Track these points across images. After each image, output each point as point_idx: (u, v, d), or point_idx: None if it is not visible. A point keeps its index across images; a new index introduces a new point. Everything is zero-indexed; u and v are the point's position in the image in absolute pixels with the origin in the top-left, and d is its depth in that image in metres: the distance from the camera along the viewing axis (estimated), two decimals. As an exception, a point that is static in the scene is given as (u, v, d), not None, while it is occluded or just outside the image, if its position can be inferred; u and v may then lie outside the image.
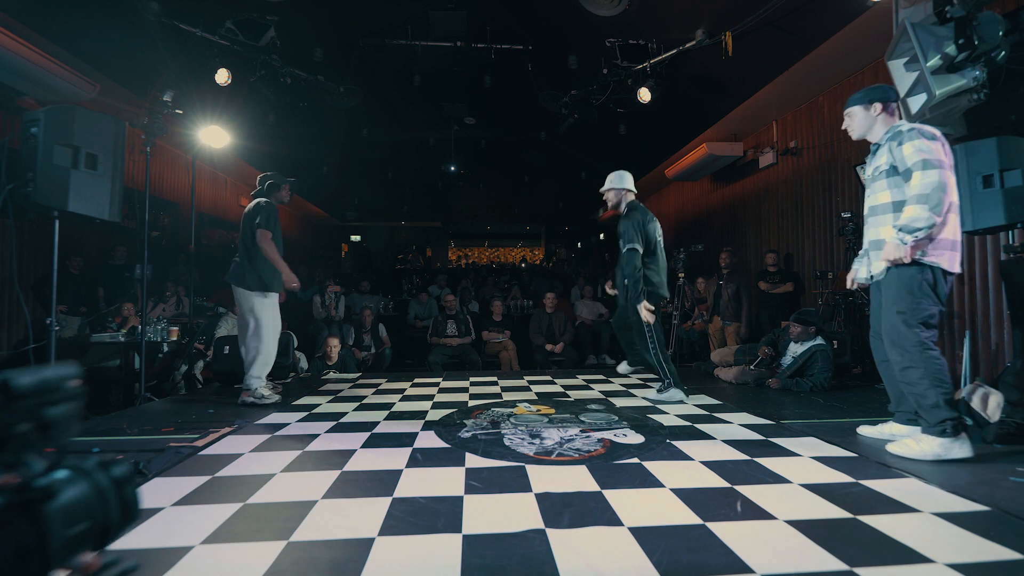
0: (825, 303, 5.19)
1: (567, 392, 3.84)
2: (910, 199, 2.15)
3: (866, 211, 2.46)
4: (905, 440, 2.20)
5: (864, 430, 2.57)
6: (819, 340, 3.87)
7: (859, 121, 2.45)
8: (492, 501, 1.76)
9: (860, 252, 2.54)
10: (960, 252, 2.21)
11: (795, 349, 4.00)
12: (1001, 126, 3.06)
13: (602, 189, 3.66)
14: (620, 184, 3.58)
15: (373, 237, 16.33)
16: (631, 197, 3.61)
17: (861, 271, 2.50)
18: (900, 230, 2.15)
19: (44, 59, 4.21)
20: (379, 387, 4.10)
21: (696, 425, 2.81)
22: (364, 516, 1.63)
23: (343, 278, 10.05)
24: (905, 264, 2.17)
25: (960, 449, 2.10)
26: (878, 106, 2.39)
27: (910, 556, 1.36)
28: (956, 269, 2.19)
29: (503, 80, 5.90)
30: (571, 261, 14.39)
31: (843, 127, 2.54)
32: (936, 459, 2.09)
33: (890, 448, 2.21)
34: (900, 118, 2.48)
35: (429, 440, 2.53)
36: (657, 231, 3.52)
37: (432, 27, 4.97)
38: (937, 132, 2.21)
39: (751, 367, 4.14)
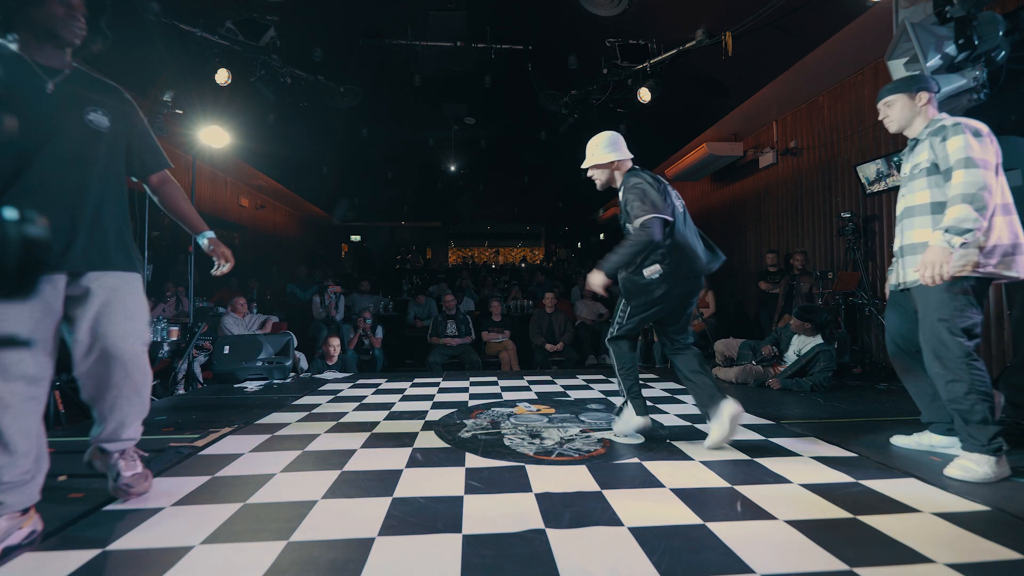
0: (825, 303, 5.19)
1: (567, 392, 3.84)
2: (952, 199, 1.93)
3: (899, 212, 2.25)
4: (962, 463, 1.98)
5: (898, 440, 2.42)
6: (819, 339, 3.87)
7: (900, 112, 2.21)
8: (492, 501, 1.76)
9: (894, 254, 2.32)
10: (1022, 255, 1.98)
11: (798, 346, 3.99)
12: (1001, 126, 3.05)
13: (586, 164, 2.61)
14: (600, 158, 2.54)
15: (373, 237, 16.34)
16: (628, 165, 2.57)
17: (891, 278, 2.30)
18: (947, 231, 1.89)
19: (44, 59, 4.19)
20: (379, 387, 4.10)
21: (696, 425, 2.81)
22: (364, 516, 1.63)
23: (343, 278, 10.06)
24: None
25: (1005, 467, 1.94)
26: (924, 96, 2.16)
27: (910, 556, 1.36)
28: (1021, 274, 1.97)
29: (503, 80, 5.90)
30: (571, 261, 14.40)
31: (880, 118, 2.31)
32: (997, 479, 1.91)
33: (948, 472, 1.99)
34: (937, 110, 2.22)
35: (429, 440, 2.53)
36: (668, 197, 2.43)
37: (432, 27, 4.97)
38: (984, 128, 2.02)
39: (754, 363, 4.13)
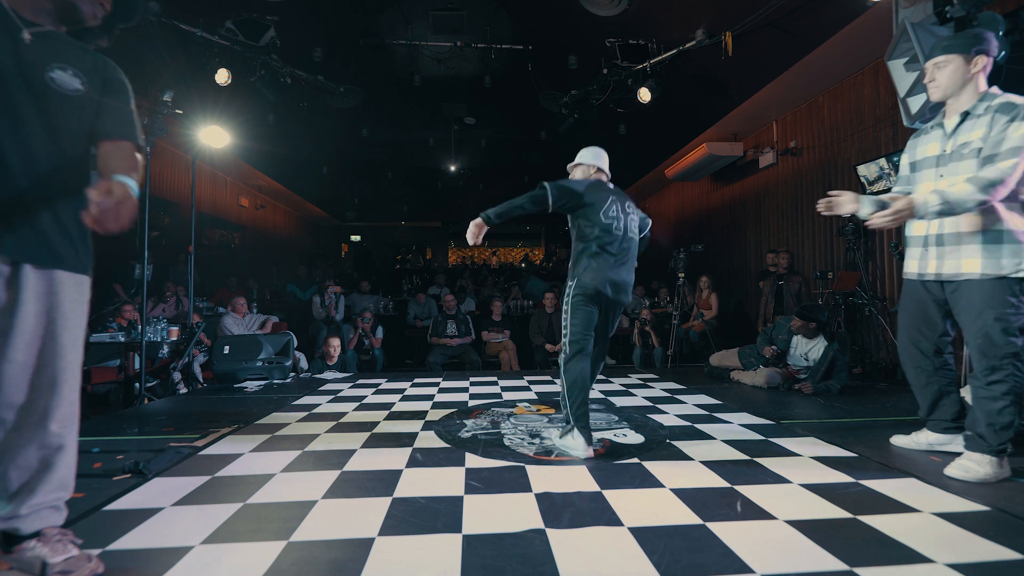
0: (825, 303, 5.18)
1: (567, 392, 3.83)
2: (975, 179, 1.81)
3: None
4: (963, 462, 1.95)
5: (897, 440, 2.40)
6: (823, 340, 3.81)
7: (952, 76, 1.95)
8: (492, 501, 1.76)
9: (914, 241, 2.17)
10: None
11: (803, 348, 3.92)
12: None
13: (570, 165, 2.92)
14: (591, 160, 2.82)
15: (373, 237, 16.34)
16: (601, 177, 2.80)
17: (910, 264, 2.17)
18: (939, 199, 1.81)
19: (44, 59, 4.20)
20: (379, 387, 4.10)
21: (696, 425, 2.81)
22: (364, 516, 1.63)
23: (343, 278, 10.06)
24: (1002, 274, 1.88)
25: (1007, 468, 1.93)
26: (981, 60, 1.92)
27: (910, 556, 1.36)
28: None
29: (503, 80, 5.91)
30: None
31: (926, 80, 2.06)
32: (997, 480, 1.89)
33: (949, 472, 1.96)
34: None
35: (429, 440, 2.53)
36: (612, 210, 2.61)
37: (432, 27, 4.98)
38: None
39: (765, 367, 4.06)
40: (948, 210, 1.83)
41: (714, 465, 2.12)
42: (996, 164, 1.81)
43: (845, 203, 2.10)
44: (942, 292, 2.10)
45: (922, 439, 2.32)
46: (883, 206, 2.02)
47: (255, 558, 1.37)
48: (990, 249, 1.90)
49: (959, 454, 2.04)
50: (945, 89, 1.99)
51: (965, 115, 1.98)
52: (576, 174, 2.91)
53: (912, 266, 2.18)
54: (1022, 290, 1.90)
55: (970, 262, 1.95)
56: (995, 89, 1.97)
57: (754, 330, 6.16)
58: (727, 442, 2.46)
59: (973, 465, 1.93)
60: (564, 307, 2.53)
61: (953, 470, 1.96)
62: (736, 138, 7.45)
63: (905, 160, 2.25)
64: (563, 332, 2.51)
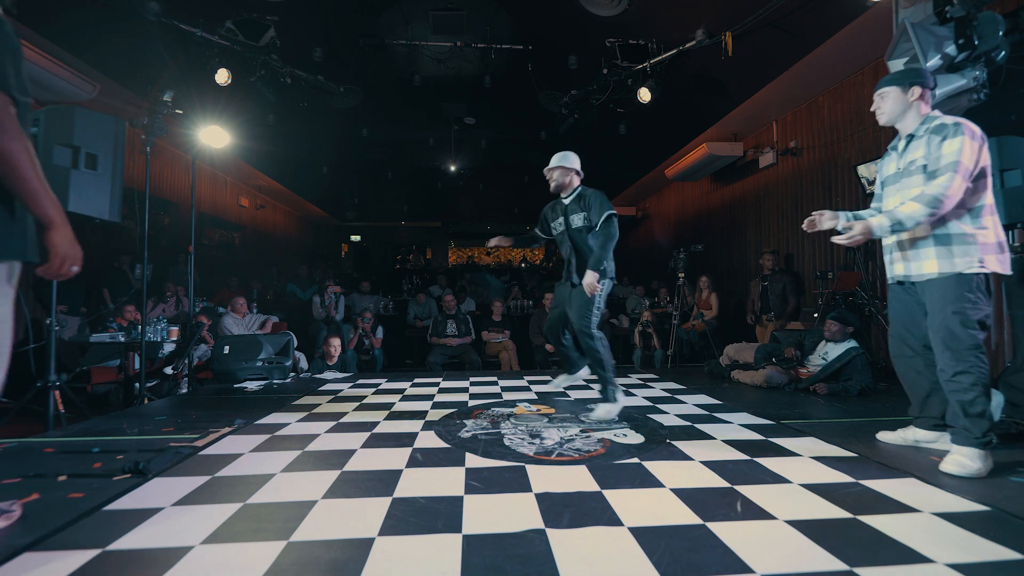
0: (825, 303, 5.18)
1: (567, 392, 3.83)
2: (921, 196, 2.04)
3: (890, 207, 2.28)
4: (956, 458, 2.00)
5: (884, 436, 2.45)
6: (853, 343, 3.76)
7: (892, 104, 2.26)
8: (492, 501, 1.76)
9: (886, 248, 2.37)
10: (1008, 253, 2.10)
11: (826, 350, 3.87)
12: (1001, 126, 3.06)
13: (547, 168, 3.21)
14: (570, 163, 3.16)
15: (373, 237, 16.34)
16: (578, 181, 3.19)
17: (890, 268, 2.35)
18: (892, 223, 2.09)
19: (44, 59, 4.21)
20: (379, 387, 4.10)
21: (696, 425, 2.81)
22: (364, 516, 1.63)
23: (343, 278, 10.07)
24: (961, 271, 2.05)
25: (991, 460, 1.99)
26: (917, 90, 2.21)
27: (910, 556, 1.36)
28: (1008, 271, 2.07)
29: (503, 80, 5.90)
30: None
31: (872, 109, 2.36)
32: (988, 473, 1.95)
33: (944, 468, 2.01)
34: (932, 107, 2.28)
35: (429, 440, 2.53)
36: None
37: (432, 27, 4.98)
38: (977, 130, 2.09)
39: (775, 360, 4.01)
40: (900, 228, 2.10)
41: (714, 465, 2.12)
42: (936, 180, 2.05)
43: (826, 220, 2.34)
44: (915, 293, 2.27)
45: (909, 435, 2.38)
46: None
47: (255, 558, 1.37)
48: (942, 251, 2.09)
49: (946, 452, 2.09)
50: (889, 115, 2.29)
51: (911, 138, 2.24)
52: (556, 175, 3.18)
53: (891, 270, 2.35)
54: (978, 286, 2.03)
55: (928, 264, 2.13)
56: (936, 112, 2.23)
57: (753, 330, 6.17)
58: (727, 442, 2.46)
59: (966, 460, 1.98)
60: (599, 293, 2.96)
61: (948, 466, 2.01)
62: (736, 138, 7.45)
63: (877, 179, 2.45)
64: (591, 312, 2.97)
